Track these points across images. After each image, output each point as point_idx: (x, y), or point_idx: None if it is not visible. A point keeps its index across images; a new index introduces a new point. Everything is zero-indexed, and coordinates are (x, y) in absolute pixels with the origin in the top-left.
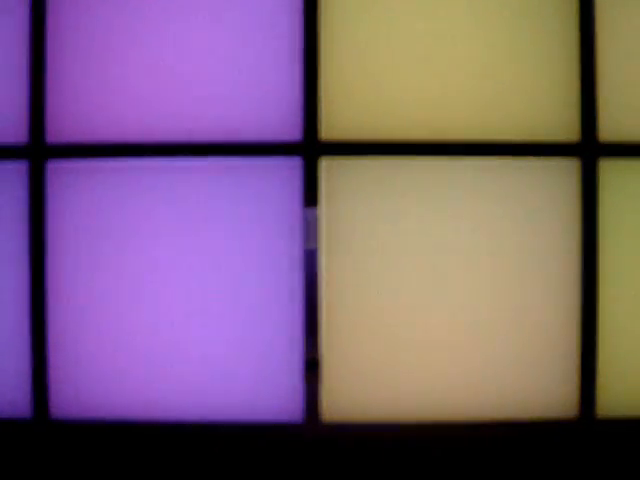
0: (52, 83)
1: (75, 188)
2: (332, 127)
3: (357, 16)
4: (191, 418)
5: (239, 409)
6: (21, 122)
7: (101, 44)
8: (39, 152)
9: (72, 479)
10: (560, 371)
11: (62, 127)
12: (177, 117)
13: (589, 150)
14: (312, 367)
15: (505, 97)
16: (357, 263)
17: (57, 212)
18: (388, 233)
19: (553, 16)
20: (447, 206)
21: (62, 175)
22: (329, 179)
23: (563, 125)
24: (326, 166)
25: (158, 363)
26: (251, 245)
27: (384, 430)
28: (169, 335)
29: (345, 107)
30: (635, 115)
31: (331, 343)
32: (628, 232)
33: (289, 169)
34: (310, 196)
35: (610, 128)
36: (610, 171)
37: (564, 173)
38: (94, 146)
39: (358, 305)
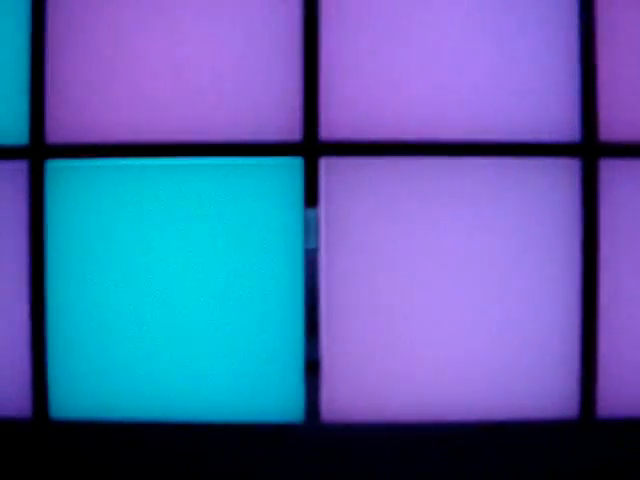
0: (52, 82)
1: (75, 188)
2: (332, 127)
3: (357, 15)
4: (191, 419)
5: (239, 409)
6: (21, 122)
7: (102, 43)
8: (39, 152)
9: (72, 479)
10: (560, 371)
11: (62, 127)
12: (177, 117)
13: (589, 150)
14: (312, 367)
15: (505, 97)
16: (357, 263)
17: (57, 212)
18: (388, 233)
19: (553, 16)
20: (447, 206)
21: (62, 175)
22: (329, 179)
23: (563, 125)
24: (326, 166)
25: (158, 362)
26: (250, 245)
27: (384, 430)
28: (169, 333)
29: (345, 107)
30: (635, 115)
31: (331, 343)
32: (627, 232)
33: (289, 169)
34: (310, 196)
35: (610, 128)
36: (610, 171)
37: (564, 173)
38: (94, 146)
39: (358, 305)
